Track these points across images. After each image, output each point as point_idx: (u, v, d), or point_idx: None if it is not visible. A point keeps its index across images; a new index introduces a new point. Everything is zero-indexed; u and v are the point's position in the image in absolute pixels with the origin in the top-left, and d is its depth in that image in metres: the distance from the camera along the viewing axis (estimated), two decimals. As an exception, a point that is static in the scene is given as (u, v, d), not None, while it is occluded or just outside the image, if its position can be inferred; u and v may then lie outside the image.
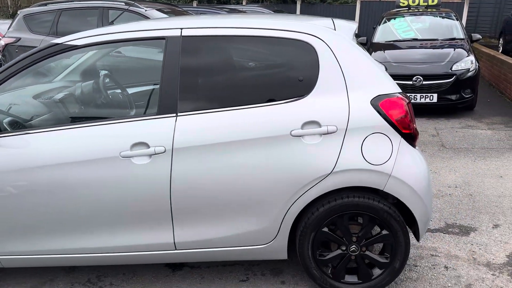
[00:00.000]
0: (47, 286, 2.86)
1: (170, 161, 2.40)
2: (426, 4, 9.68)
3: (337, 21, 2.58)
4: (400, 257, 2.52)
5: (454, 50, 7.11)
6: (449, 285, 2.69)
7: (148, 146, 2.40)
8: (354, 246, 2.52)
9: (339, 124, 2.36)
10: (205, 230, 2.51)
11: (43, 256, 2.60)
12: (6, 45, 7.21)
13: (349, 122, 2.36)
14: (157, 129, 2.41)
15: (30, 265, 2.68)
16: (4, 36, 7.41)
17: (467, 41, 7.60)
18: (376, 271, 2.57)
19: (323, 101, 2.38)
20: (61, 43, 2.51)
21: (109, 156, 2.40)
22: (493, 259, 2.94)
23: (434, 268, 2.86)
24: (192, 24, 2.48)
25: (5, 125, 2.55)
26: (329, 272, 2.59)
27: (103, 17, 6.67)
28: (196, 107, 2.43)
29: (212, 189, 2.42)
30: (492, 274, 2.77)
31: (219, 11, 9.90)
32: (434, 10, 9.08)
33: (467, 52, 7.07)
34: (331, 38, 2.43)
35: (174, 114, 2.42)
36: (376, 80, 2.43)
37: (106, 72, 2.87)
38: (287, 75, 2.45)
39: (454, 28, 8.01)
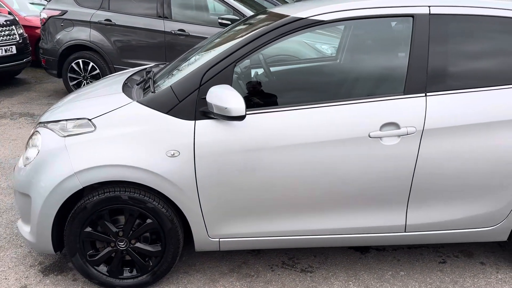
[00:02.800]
0: (244, 269, 2.76)
1: (418, 142, 2.36)
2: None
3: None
4: None
5: None
6: None
7: (398, 126, 2.34)
8: None
9: None
10: (437, 212, 2.50)
11: (263, 238, 2.50)
12: (50, 17, 6.74)
13: None
14: (408, 109, 2.35)
15: (246, 248, 2.57)
16: (45, 8, 6.91)
17: None
18: None
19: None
20: (306, 17, 2.38)
21: (358, 136, 2.33)
22: None
23: None
24: (440, 1, 2.42)
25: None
26: (544, 252, 2.66)
27: (163, -8, 6.36)
28: (444, 87, 2.39)
29: (454, 171, 2.41)
30: None
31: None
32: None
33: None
34: None
35: (423, 94, 2.37)
36: None
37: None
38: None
39: None
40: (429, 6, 2.41)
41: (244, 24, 2.96)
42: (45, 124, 2.53)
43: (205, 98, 2.30)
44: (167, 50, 6.36)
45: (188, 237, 2.58)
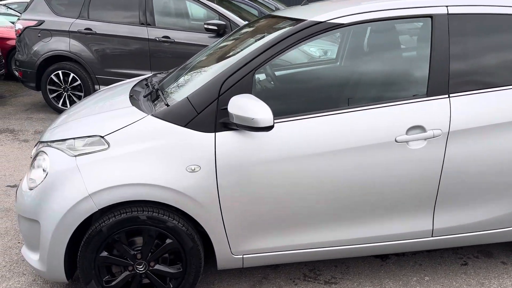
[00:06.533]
0: (265, 284, 2.64)
1: (444, 144, 2.31)
2: None
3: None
4: None
5: None
6: None
7: (424, 129, 2.29)
8: None
9: None
10: (463, 215, 2.45)
11: (287, 252, 2.40)
12: (26, 28, 6.44)
13: None
14: (432, 111, 2.30)
15: (269, 263, 2.46)
16: (20, 19, 6.61)
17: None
18: None
19: None
20: (325, 21, 2.30)
21: (384, 142, 2.26)
22: None
23: None
24: (457, 1, 2.38)
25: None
26: None
27: (146, 1, 6.18)
28: (467, 87, 2.35)
29: (480, 172, 2.37)
30: None
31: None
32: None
33: None
34: None
35: (447, 95, 2.32)
36: None
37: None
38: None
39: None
40: (447, 6, 2.36)
41: (251, 29, 2.85)
42: (49, 144, 2.35)
43: (224, 108, 2.18)
44: (151, 57, 6.18)
45: (207, 255, 2.45)
